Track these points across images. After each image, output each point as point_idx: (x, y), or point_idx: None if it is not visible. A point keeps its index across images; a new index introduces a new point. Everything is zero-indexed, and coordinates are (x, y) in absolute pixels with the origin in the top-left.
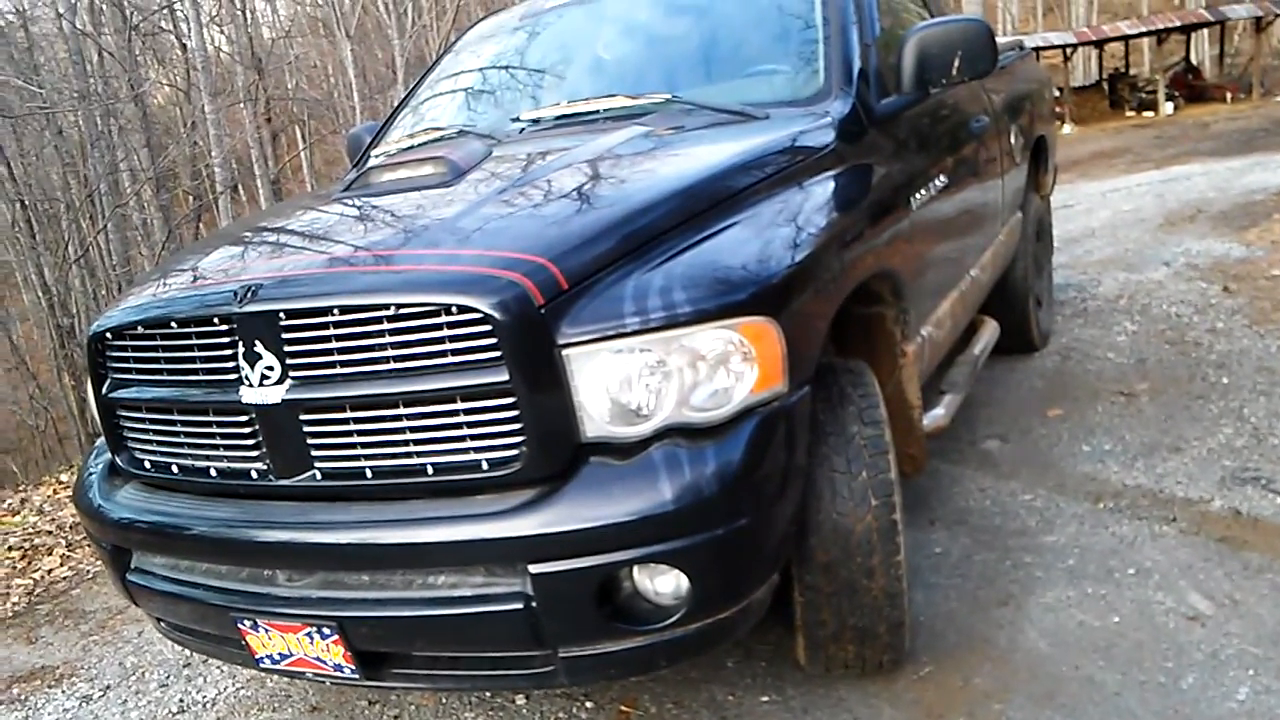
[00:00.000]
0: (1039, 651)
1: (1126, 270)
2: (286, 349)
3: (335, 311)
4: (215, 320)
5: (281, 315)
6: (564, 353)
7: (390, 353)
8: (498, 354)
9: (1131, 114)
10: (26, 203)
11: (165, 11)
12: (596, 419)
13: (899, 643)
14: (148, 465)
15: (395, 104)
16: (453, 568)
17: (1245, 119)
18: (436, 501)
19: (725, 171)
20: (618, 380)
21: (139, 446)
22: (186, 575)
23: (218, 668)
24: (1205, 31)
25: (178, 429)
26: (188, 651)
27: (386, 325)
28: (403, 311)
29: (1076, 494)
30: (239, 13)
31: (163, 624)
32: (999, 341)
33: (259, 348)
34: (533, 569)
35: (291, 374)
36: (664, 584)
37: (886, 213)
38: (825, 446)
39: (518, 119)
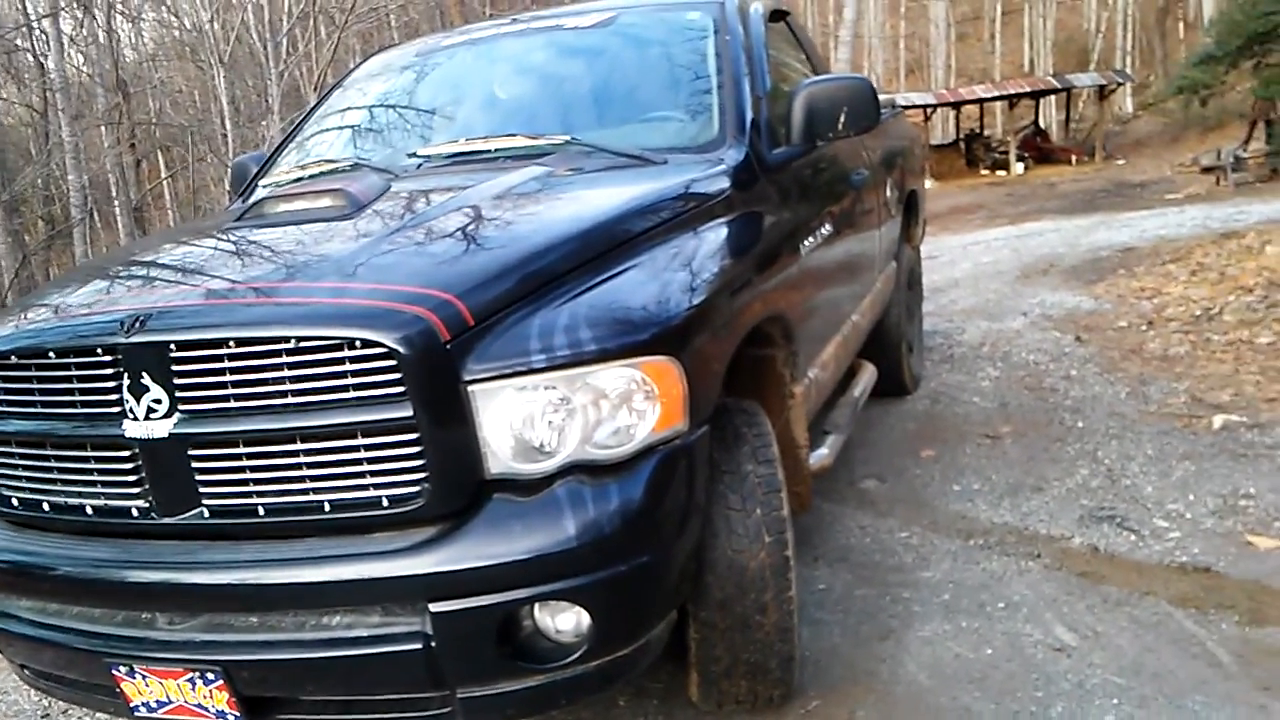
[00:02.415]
0: (919, 684)
1: (988, 319)
2: (176, 381)
3: (231, 343)
4: (98, 350)
5: (172, 346)
6: (470, 389)
7: (289, 386)
8: (402, 389)
9: (986, 172)
10: None
11: (23, 30)
12: (500, 456)
13: (789, 677)
14: (15, 502)
15: (274, 134)
16: (349, 607)
17: (1089, 180)
18: (333, 539)
19: (627, 214)
20: (522, 417)
21: (6, 482)
22: (56, 619)
23: (82, 716)
24: (1053, 97)
25: (50, 464)
26: (47, 700)
27: (286, 359)
28: (303, 345)
29: (949, 531)
30: (101, 33)
31: (27, 670)
32: (875, 385)
33: (145, 379)
34: (433, 608)
35: (180, 407)
36: (565, 621)
37: (778, 258)
38: (721, 485)
39: (414, 154)
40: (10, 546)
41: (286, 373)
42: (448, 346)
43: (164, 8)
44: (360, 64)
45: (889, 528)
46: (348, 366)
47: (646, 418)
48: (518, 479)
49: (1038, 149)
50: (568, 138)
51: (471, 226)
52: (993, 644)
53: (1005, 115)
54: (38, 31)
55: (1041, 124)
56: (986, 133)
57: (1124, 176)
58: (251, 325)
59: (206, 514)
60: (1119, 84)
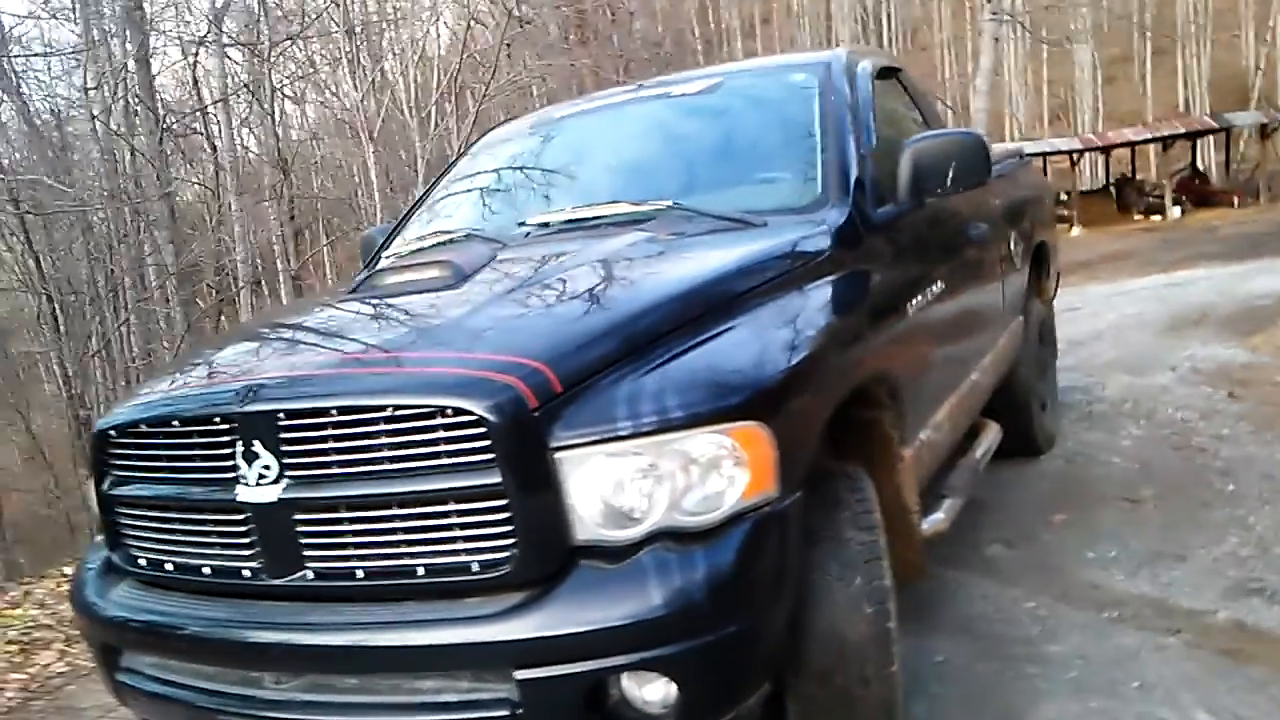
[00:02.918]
0: None
1: (1131, 374)
2: (284, 448)
3: (334, 412)
4: (216, 419)
5: (281, 415)
6: (556, 455)
7: (386, 453)
8: (491, 456)
9: (1139, 217)
10: (52, 296)
11: (197, 113)
12: (588, 522)
13: None
14: (143, 563)
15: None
16: (440, 672)
17: (1252, 224)
18: (426, 603)
19: (720, 277)
20: (610, 484)
21: (135, 544)
22: (176, 676)
23: None
24: (1211, 138)
25: (174, 527)
26: None
27: (383, 426)
28: (400, 413)
29: (1080, 602)
30: (267, 115)
31: None
32: (1004, 444)
33: (257, 446)
34: (519, 674)
35: (288, 473)
36: (653, 691)
37: (882, 318)
38: (820, 552)
39: (524, 223)
40: (138, 605)
41: (384, 440)
42: (535, 414)
43: (327, 90)
44: (481, 138)
45: (1014, 597)
46: (440, 434)
47: (735, 484)
48: (605, 546)
49: (1196, 192)
50: (669, 203)
51: (565, 293)
52: None
53: (1159, 158)
54: (211, 114)
55: (1199, 166)
56: (1139, 177)
57: None
58: (352, 395)
59: (310, 576)
60: None
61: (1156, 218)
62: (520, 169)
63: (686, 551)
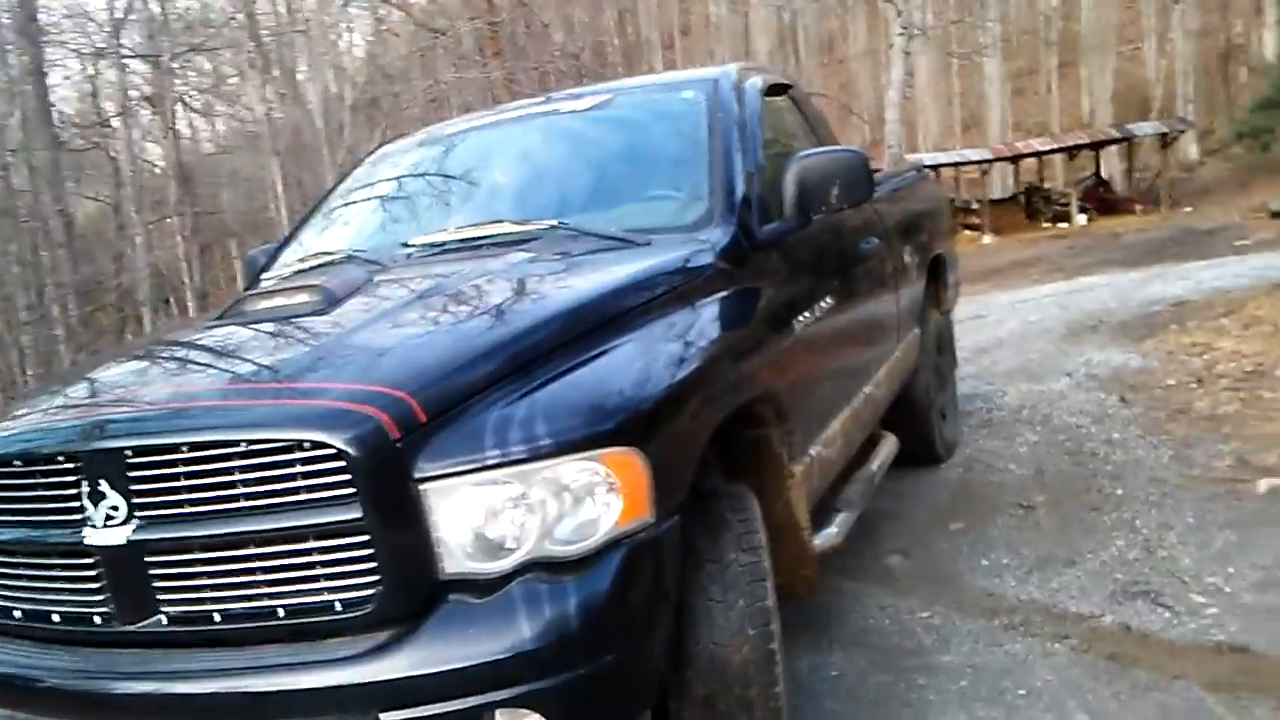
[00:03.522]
0: None
1: (1030, 381)
2: (133, 487)
3: (184, 448)
4: (60, 458)
5: (128, 452)
6: (421, 487)
7: (241, 490)
8: (351, 490)
9: (1047, 225)
10: None
11: (96, 127)
12: (456, 555)
13: None
14: None
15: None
16: (302, 718)
17: (1154, 230)
18: (287, 646)
19: (598, 298)
20: (478, 515)
21: None
22: None
23: None
24: (1114, 148)
25: (20, 571)
26: None
27: (238, 462)
28: (255, 448)
29: (973, 610)
30: (170, 128)
31: None
32: (905, 453)
33: (104, 486)
34: (385, 717)
35: (137, 514)
36: None
37: (767, 336)
38: (702, 574)
39: (407, 244)
40: None
41: (239, 476)
42: (398, 445)
43: (236, 103)
44: (367, 155)
45: (910, 607)
46: (298, 469)
47: (609, 512)
48: (474, 579)
49: (1101, 199)
50: (554, 222)
51: (436, 319)
52: None
53: (1066, 167)
54: (111, 129)
55: (1104, 174)
56: (1047, 185)
57: (1191, 224)
58: (202, 430)
59: (165, 621)
60: (1181, 131)
61: (1064, 225)
62: (407, 187)
63: (559, 582)
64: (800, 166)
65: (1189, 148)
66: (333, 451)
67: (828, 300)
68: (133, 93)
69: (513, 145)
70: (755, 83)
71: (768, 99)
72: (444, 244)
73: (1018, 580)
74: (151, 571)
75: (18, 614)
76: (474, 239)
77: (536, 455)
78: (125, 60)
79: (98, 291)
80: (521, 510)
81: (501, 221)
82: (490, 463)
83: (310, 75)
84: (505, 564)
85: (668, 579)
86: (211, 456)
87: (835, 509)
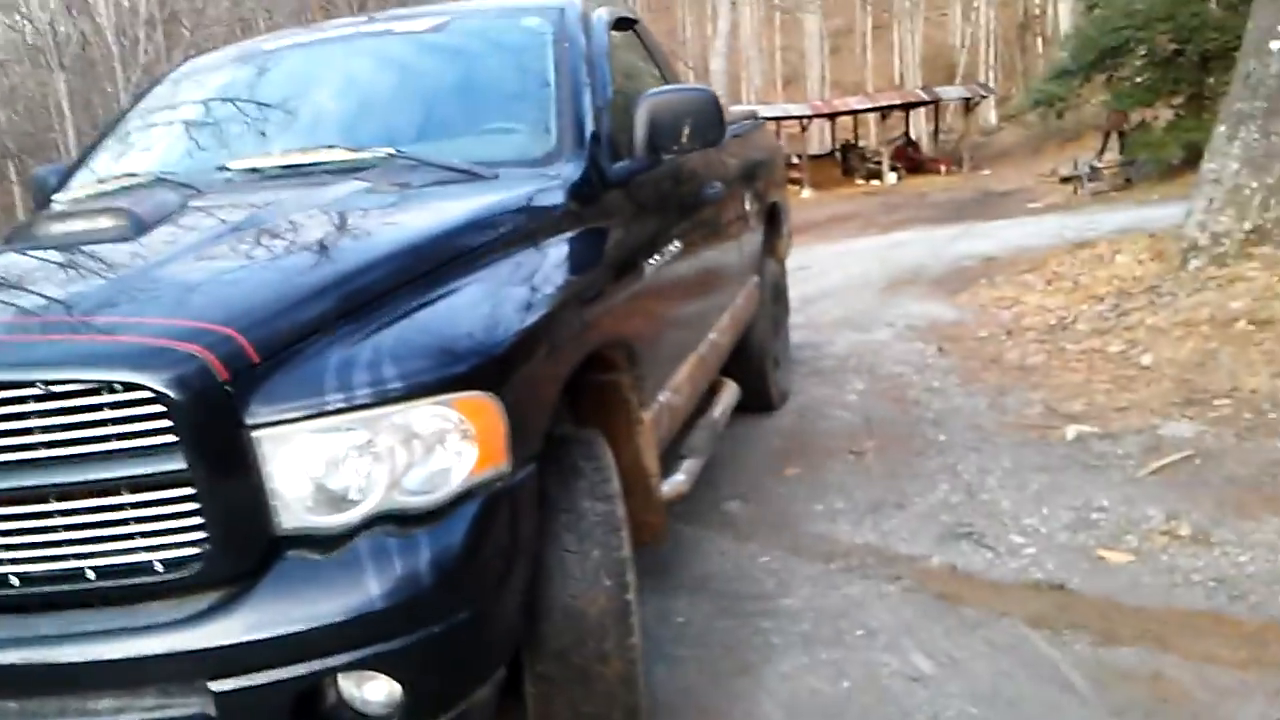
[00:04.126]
0: None
1: (856, 330)
2: None
3: None
4: None
5: None
6: (254, 434)
7: (38, 438)
8: (173, 438)
9: (861, 182)
10: None
11: None
12: (294, 508)
13: None
14: None
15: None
16: (119, 690)
17: (957, 190)
18: (99, 611)
19: (447, 233)
20: (319, 464)
21: None
22: None
23: None
24: (922, 110)
25: None
26: None
27: (33, 406)
28: (54, 390)
29: (811, 554)
30: None
31: None
32: (741, 401)
33: None
34: (215, 686)
35: None
36: (374, 691)
37: (619, 278)
38: (556, 524)
39: (225, 168)
40: None
41: (35, 422)
42: (227, 388)
43: (15, 12)
44: (173, 70)
45: (751, 552)
46: (107, 414)
47: (462, 460)
48: (316, 534)
49: (910, 159)
50: (391, 151)
51: (265, 250)
52: (850, 676)
53: (878, 126)
54: None
55: (912, 135)
56: (861, 143)
57: (989, 186)
58: None
59: None
60: (983, 97)
61: (876, 182)
62: (223, 107)
63: (409, 535)
64: (651, 104)
65: (989, 113)
66: (150, 395)
67: (676, 244)
68: None
69: (341, 66)
70: (602, 15)
71: (613, 33)
72: (268, 169)
73: (851, 524)
74: None
75: None
76: (302, 165)
77: (384, 399)
78: None
79: None
80: (367, 459)
81: (333, 148)
82: (332, 407)
83: None
84: (350, 517)
85: (525, 531)
86: (2, 400)
87: (681, 456)
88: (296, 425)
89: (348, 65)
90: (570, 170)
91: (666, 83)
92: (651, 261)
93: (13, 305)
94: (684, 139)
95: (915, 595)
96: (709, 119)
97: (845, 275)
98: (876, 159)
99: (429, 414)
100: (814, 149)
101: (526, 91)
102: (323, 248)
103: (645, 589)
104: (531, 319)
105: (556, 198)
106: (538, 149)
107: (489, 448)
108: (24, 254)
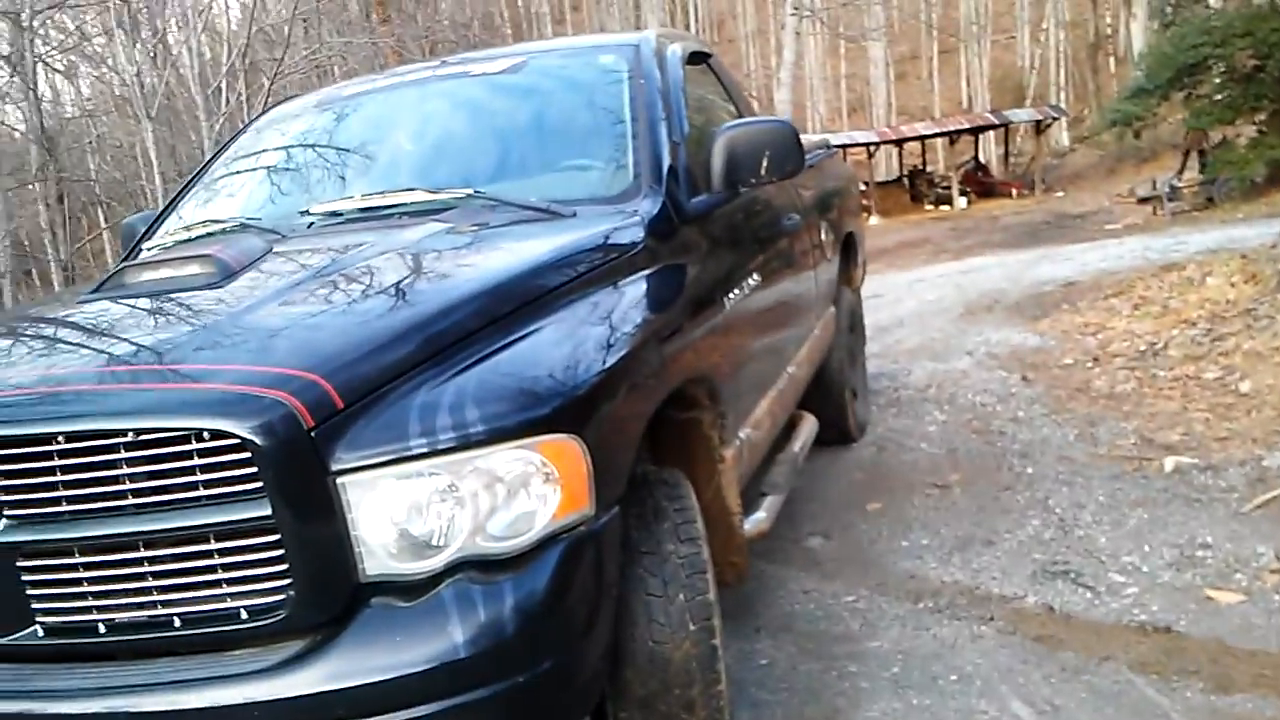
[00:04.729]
0: None
1: (934, 359)
2: (0, 482)
3: (59, 439)
4: None
5: None
6: (339, 481)
7: (128, 486)
8: (258, 485)
9: (930, 207)
10: None
11: None
12: (378, 555)
13: None
14: None
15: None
16: None
17: (1030, 213)
18: (186, 660)
19: (528, 273)
20: (402, 510)
21: None
22: None
23: None
24: (992, 133)
25: None
26: None
27: (124, 454)
28: (143, 438)
29: (898, 593)
30: (30, 89)
31: None
32: (818, 433)
33: None
34: None
35: (6, 511)
36: None
37: (700, 313)
38: (639, 568)
39: (307, 212)
40: None
41: (125, 470)
42: (312, 434)
43: (103, 64)
44: (256, 117)
45: (834, 591)
46: (196, 461)
47: (546, 504)
48: (399, 580)
49: (979, 183)
50: (470, 191)
51: (349, 294)
52: None
53: (947, 151)
54: None
55: (981, 159)
56: (929, 169)
57: (1063, 208)
58: (80, 418)
59: (41, 633)
60: (1054, 119)
61: (945, 207)
62: (304, 152)
63: (493, 582)
64: (728, 137)
65: (1061, 134)
66: (236, 441)
67: (755, 277)
68: None
69: (420, 108)
70: (676, 49)
71: (688, 67)
72: (349, 213)
73: (939, 561)
74: (25, 578)
75: None
76: (382, 208)
77: (467, 444)
78: None
79: None
80: (450, 504)
81: (412, 190)
82: (415, 452)
83: (182, 37)
84: (434, 563)
85: (609, 576)
86: (92, 448)
87: (762, 493)
88: (380, 470)
89: (426, 108)
90: (648, 206)
91: (740, 115)
92: (730, 296)
93: (104, 353)
94: (762, 171)
95: (1010, 638)
96: (787, 150)
97: (920, 303)
98: (945, 184)
99: (512, 458)
100: (881, 176)
101: (603, 129)
102: (404, 290)
103: (726, 630)
104: (612, 359)
105: (635, 234)
106: (615, 186)
107: (572, 491)
108: (114, 301)
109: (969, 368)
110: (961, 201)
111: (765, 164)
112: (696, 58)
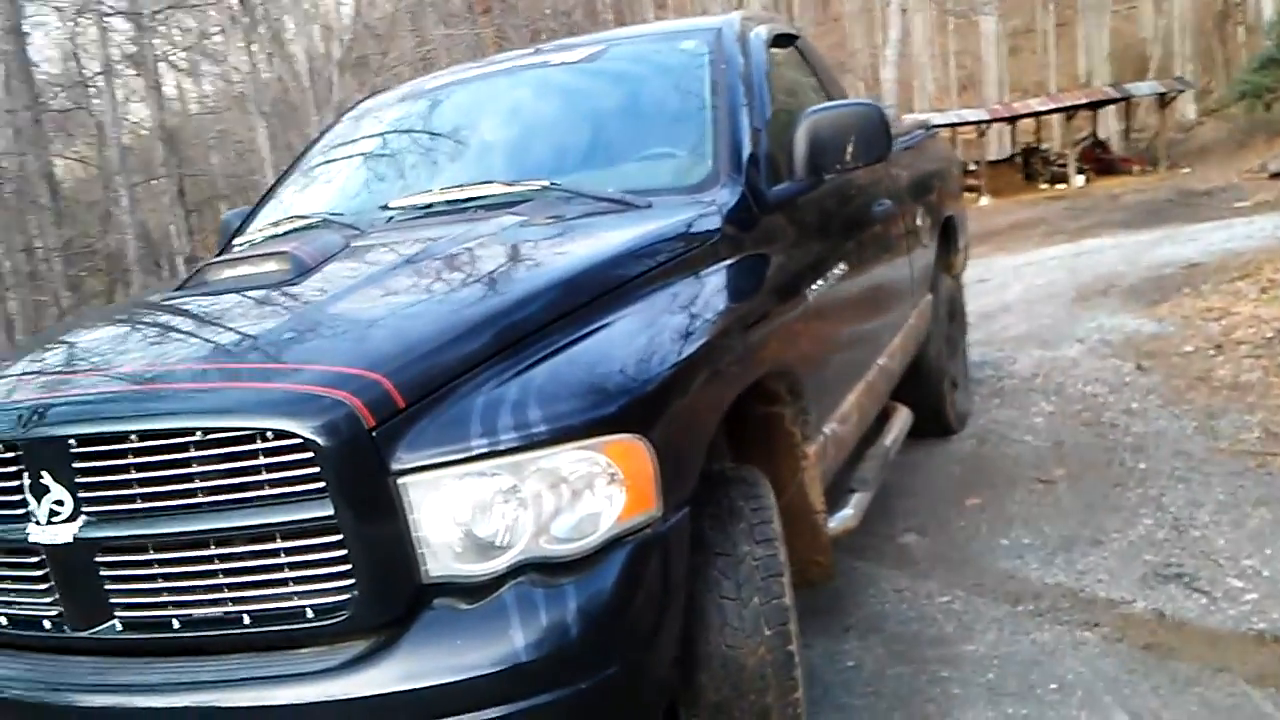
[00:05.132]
0: None
1: (1042, 347)
2: (79, 480)
3: (133, 438)
4: None
5: (72, 441)
6: (400, 481)
7: (198, 484)
8: (321, 485)
9: (1045, 186)
10: None
11: (79, 86)
12: (441, 555)
13: None
14: None
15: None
16: None
17: (1153, 190)
18: (255, 657)
19: (597, 267)
20: (464, 510)
21: None
22: None
23: None
24: (1112, 108)
25: None
26: None
27: (193, 453)
28: (211, 437)
29: (995, 595)
30: (152, 87)
31: None
32: (915, 425)
33: (47, 478)
34: None
35: (85, 509)
36: None
37: (779, 306)
38: (713, 569)
39: (387, 206)
40: None
41: (195, 469)
42: (373, 434)
43: (225, 62)
44: (345, 112)
45: (929, 591)
46: (261, 461)
47: (611, 505)
48: (462, 582)
49: (1098, 160)
50: (546, 183)
51: (417, 290)
52: None
53: (1063, 128)
54: (93, 88)
55: (1101, 135)
56: (1044, 146)
57: (1189, 185)
58: (152, 417)
59: (120, 627)
60: (1179, 91)
61: (1061, 186)
62: (388, 145)
63: (556, 584)
64: (812, 122)
65: (1187, 108)
66: (298, 442)
67: (841, 266)
68: (114, 51)
69: (501, 100)
70: (760, 33)
71: (773, 50)
72: (427, 206)
73: (1041, 562)
74: (103, 573)
75: None
76: (459, 201)
77: (529, 444)
78: (106, 17)
79: (85, 255)
80: (513, 505)
81: (490, 182)
82: (476, 452)
83: (297, 32)
84: (496, 565)
85: (677, 579)
86: (163, 447)
87: (850, 489)
88: (441, 471)
89: (506, 99)
90: (726, 196)
91: (830, 99)
92: (814, 287)
93: (175, 353)
94: (847, 157)
95: (1116, 645)
96: (874, 134)
97: (1028, 287)
98: (1061, 161)
99: (575, 458)
100: (993, 155)
101: (682, 116)
102: (471, 286)
103: (813, 630)
104: (682, 355)
105: (711, 225)
106: (694, 175)
107: (638, 492)
108: (192, 299)
109: (1080, 355)
110: (1079, 179)
111: (850, 149)
112: (783, 40)
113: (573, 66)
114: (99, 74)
